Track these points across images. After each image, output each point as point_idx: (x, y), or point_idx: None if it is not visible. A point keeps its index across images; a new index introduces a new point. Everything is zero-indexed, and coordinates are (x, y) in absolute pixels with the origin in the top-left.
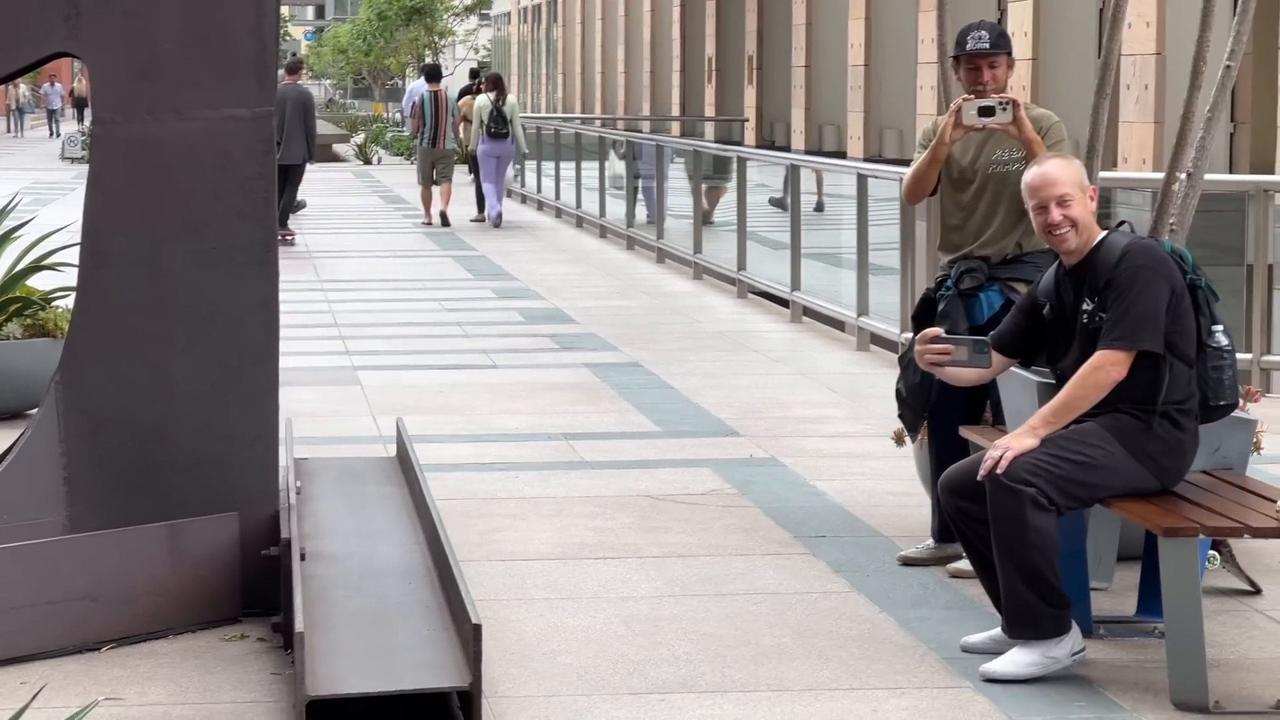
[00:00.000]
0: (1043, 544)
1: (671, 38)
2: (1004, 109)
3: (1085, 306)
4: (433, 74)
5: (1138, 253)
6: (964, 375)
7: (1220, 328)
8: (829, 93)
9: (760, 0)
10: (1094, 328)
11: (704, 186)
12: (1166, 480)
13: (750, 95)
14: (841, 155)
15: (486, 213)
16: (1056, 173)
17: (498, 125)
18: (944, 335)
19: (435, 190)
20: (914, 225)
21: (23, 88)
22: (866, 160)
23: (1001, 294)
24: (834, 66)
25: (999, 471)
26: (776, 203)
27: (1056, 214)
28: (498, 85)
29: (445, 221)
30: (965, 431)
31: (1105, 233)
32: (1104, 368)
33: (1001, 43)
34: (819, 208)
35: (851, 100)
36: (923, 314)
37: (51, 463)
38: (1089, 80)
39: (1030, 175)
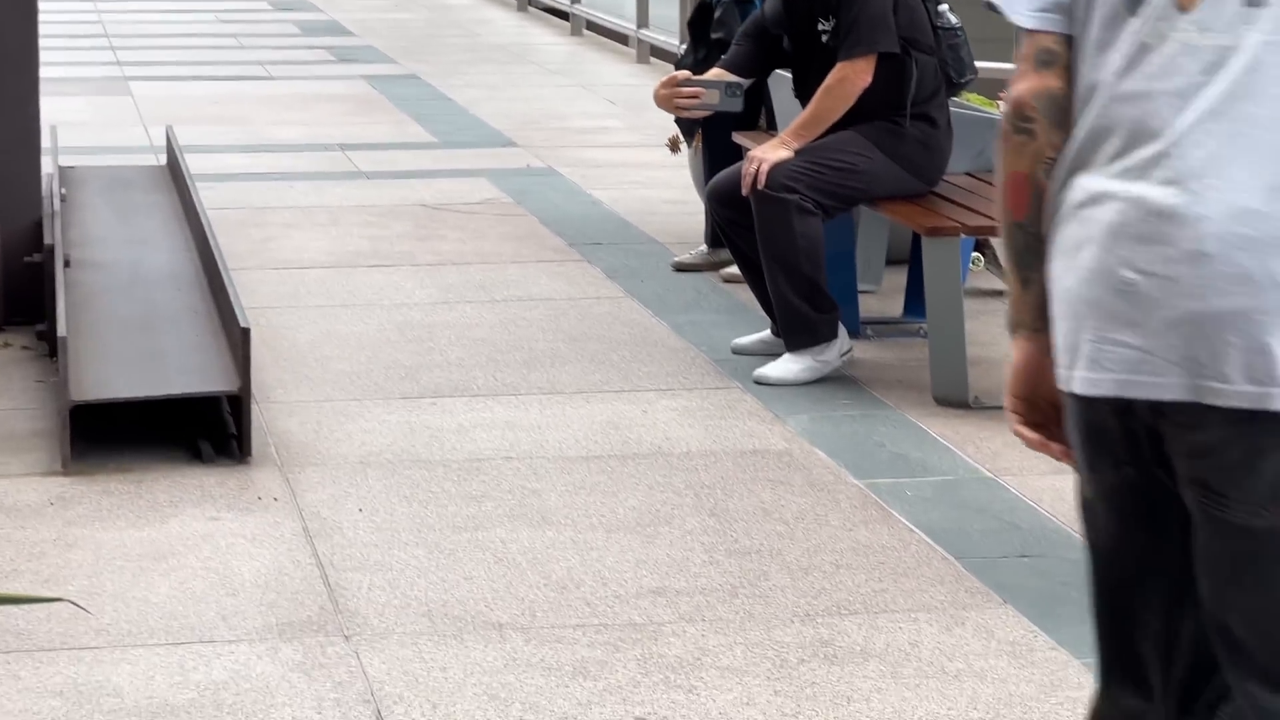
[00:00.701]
0: (810, 249)
1: None
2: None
3: (822, 27)
4: None
5: None
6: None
7: (945, 7)
8: None
9: None
10: (834, 46)
11: None
12: (926, 178)
13: None
14: None
15: None
16: None
17: None
18: (693, 79)
19: None
20: None
21: None
22: None
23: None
24: None
25: (760, 184)
26: None
27: None
28: None
29: None
30: (738, 137)
31: None
32: (848, 78)
33: None
34: None
35: None
36: (699, 20)
37: None
38: None
39: None
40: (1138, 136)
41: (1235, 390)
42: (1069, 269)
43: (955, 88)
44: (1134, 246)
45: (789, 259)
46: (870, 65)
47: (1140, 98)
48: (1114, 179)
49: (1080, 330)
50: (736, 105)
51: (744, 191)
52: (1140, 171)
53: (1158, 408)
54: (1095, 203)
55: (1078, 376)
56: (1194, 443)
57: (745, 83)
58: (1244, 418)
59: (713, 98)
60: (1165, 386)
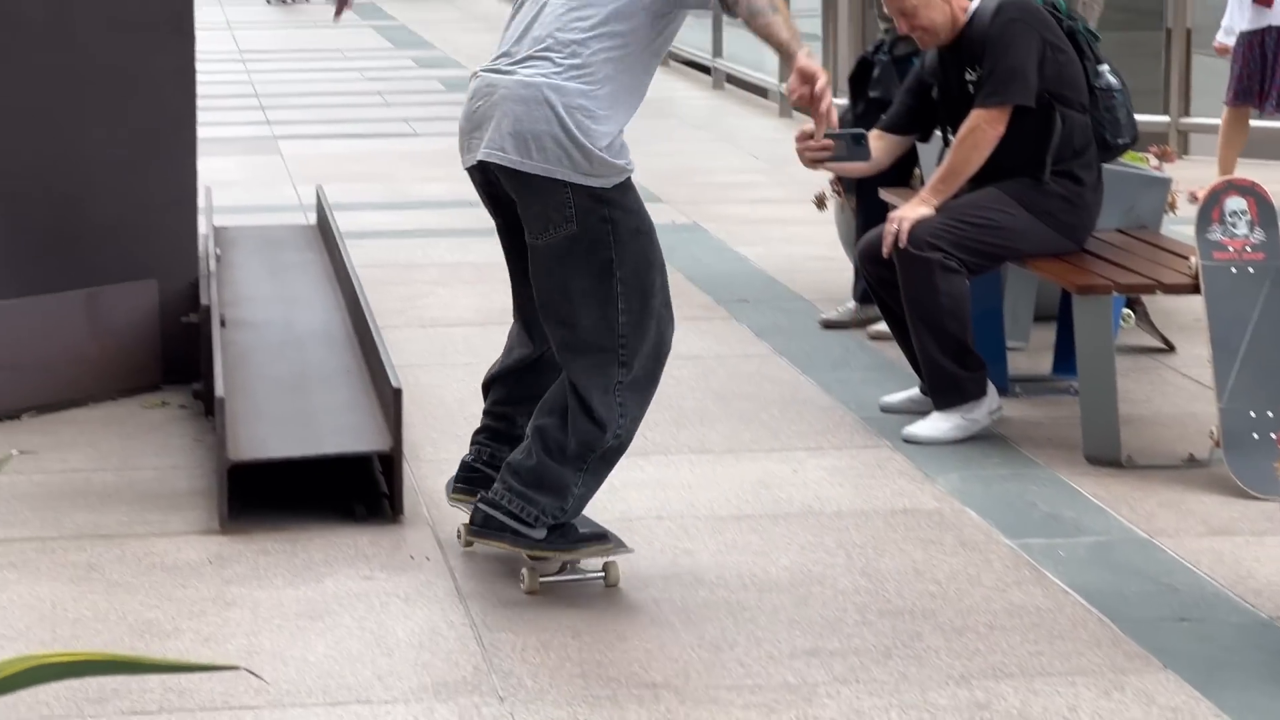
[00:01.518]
0: (955, 308)
1: None
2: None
3: (969, 77)
4: None
5: (1008, 8)
6: (850, 170)
7: (1106, 68)
8: None
9: None
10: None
11: None
12: (1075, 237)
13: None
14: None
15: None
16: None
17: None
18: (826, 131)
19: None
20: None
21: None
22: None
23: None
24: None
25: (901, 243)
26: None
27: (903, 26)
28: None
29: None
30: (885, 194)
31: (974, 1)
32: (979, 127)
33: None
34: None
35: None
36: (858, 76)
37: None
38: None
39: None
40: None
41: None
42: None
43: (1110, 149)
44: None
45: (934, 318)
46: (1002, 116)
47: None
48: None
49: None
50: (864, 156)
51: (884, 251)
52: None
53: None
54: None
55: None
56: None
57: (867, 133)
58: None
59: (841, 149)
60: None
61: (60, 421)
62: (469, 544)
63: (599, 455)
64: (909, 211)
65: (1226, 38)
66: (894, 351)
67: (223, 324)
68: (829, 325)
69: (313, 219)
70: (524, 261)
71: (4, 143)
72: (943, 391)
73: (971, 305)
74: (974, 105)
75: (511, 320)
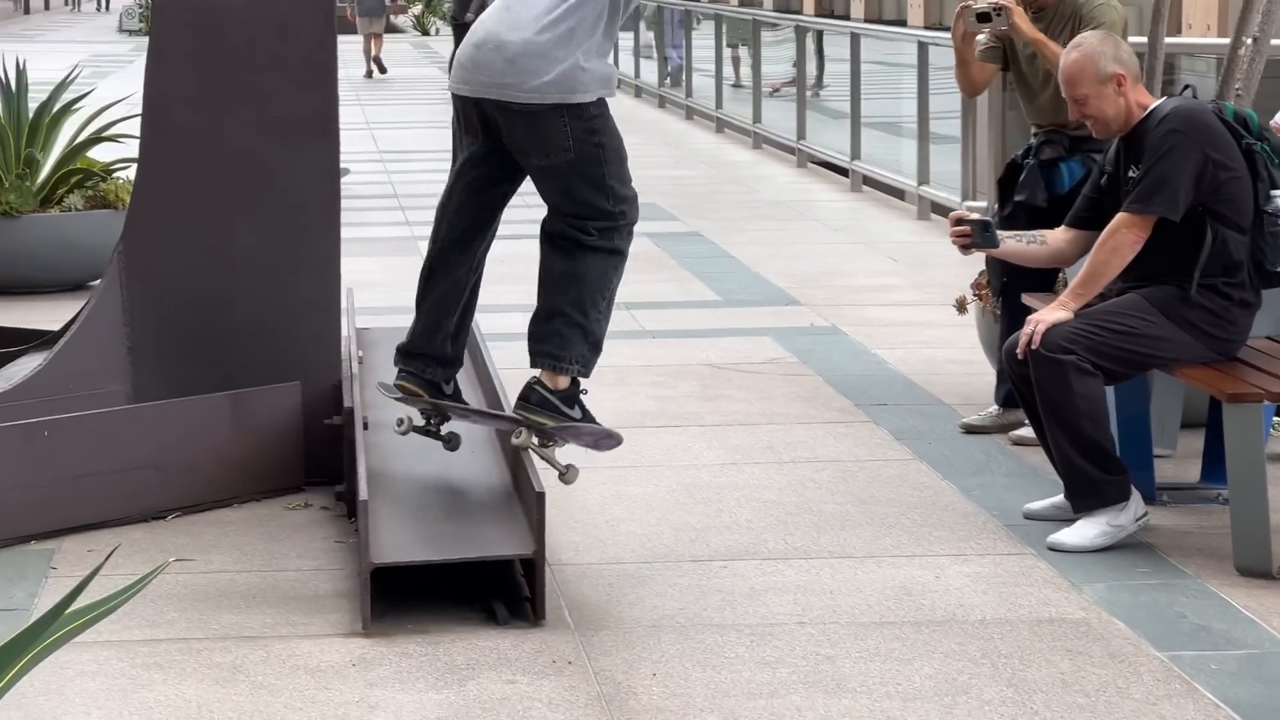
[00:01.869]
0: (1091, 410)
1: None
2: (998, 15)
3: (1131, 174)
4: None
5: (1172, 117)
6: (1021, 254)
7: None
8: None
9: None
10: None
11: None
12: (1221, 349)
13: None
14: (902, 24)
15: None
16: (1070, 71)
17: None
18: (964, 217)
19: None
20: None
21: None
22: (927, 28)
23: (1083, 164)
24: None
25: (1034, 344)
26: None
27: (1075, 113)
28: None
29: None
30: (1028, 298)
31: (1160, 100)
32: (1120, 231)
33: None
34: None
35: None
36: (1007, 180)
37: (115, 333)
38: None
39: (1059, 71)
40: None
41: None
42: None
43: (1268, 276)
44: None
45: (1070, 420)
46: (1144, 223)
47: None
48: None
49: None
50: (992, 243)
51: (1018, 353)
52: None
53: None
54: None
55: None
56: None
57: (994, 221)
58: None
59: (975, 235)
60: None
61: (205, 522)
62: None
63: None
64: (1046, 314)
65: None
66: (1037, 457)
67: (365, 426)
68: (970, 430)
69: None
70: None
71: (153, 246)
72: (1080, 494)
73: (1117, 410)
74: (1121, 208)
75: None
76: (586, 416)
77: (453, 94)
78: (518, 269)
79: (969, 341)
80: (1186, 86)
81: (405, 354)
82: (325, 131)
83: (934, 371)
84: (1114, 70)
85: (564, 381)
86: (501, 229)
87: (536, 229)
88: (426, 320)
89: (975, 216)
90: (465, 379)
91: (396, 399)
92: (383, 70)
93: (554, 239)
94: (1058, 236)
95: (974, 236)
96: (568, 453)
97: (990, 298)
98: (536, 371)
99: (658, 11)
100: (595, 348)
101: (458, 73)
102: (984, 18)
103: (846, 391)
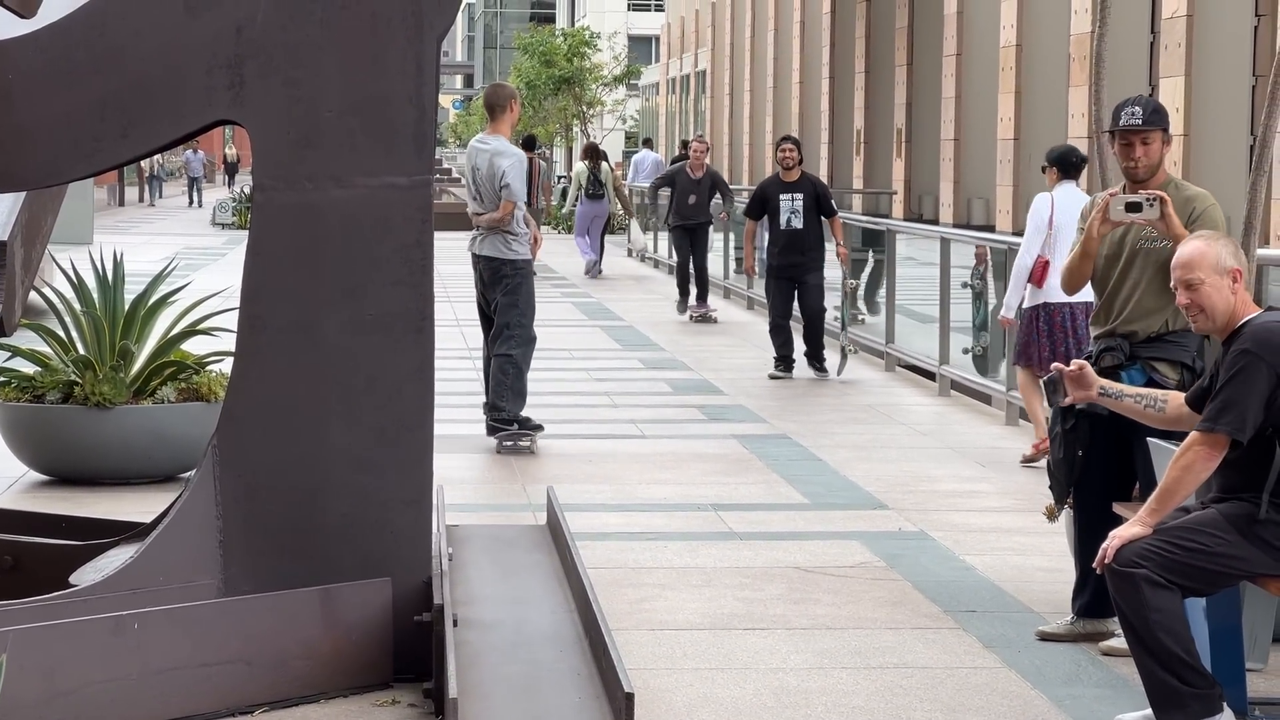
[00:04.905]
0: (1168, 623)
1: (820, 109)
2: (1151, 205)
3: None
4: (529, 143)
5: (1249, 336)
6: (1140, 415)
7: None
8: (978, 166)
9: (910, 73)
10: None
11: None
12: None
13: (899, 168)
14: (990, 229)
15: (586, 265)
16: (1191, 255)
17: (594, 188)
18: (1044, 379)
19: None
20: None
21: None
22: (1015, 234)
23: (1144, 373)
24: (983, 140)
25: (1108, 560)
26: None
27: (1183, 298)
28: (594, 154)
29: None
30: (1119, 508)
31: (1258, 313)
32: (1192, 449)
33: (1155, 119)
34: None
35: (1001, 174)
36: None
37: (208, 526)
38: (1241, 156)
39: (1176, 254)
40: None
41: None
42: None
43: None
44: None
45: (1146, 633)
46: (1216, 442)
47: None
48: None
49: None
50: (1056, 401)
51: (1095, 568)
52: None
53: None
54: None
55: None
56: None
57: (1059, 377)
58: None
59: (1048, 397)
60: None
61: (292, 717)
62: None
63: None
64: (1123, 530)
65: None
66: (1127, 667)
67: (455, 623)
68: (1046, 638)
69: (542, 519)
70: None
71: (247, 439)
72: (1164, 706)
73: (1208, 622)
74: (1197, 425)
75: None
76: None
77: None
78: (604, 469)
79: (1058, 549)
80: (1271, 308)
81: None
82: (420, 329)
83: (1023, 579)
84: (1233, 265)
85: None
86: (591, 428)
87: (623, 429)
88: None
89: (1048, 377)
90: (553, 576)
91: None
92: None
93: None
94: (1176, 406)
95: (1048, 395)
96: None
97: (1054, 509)
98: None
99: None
100: None
101: None
102: (1134, 207)
103: (935, 597)
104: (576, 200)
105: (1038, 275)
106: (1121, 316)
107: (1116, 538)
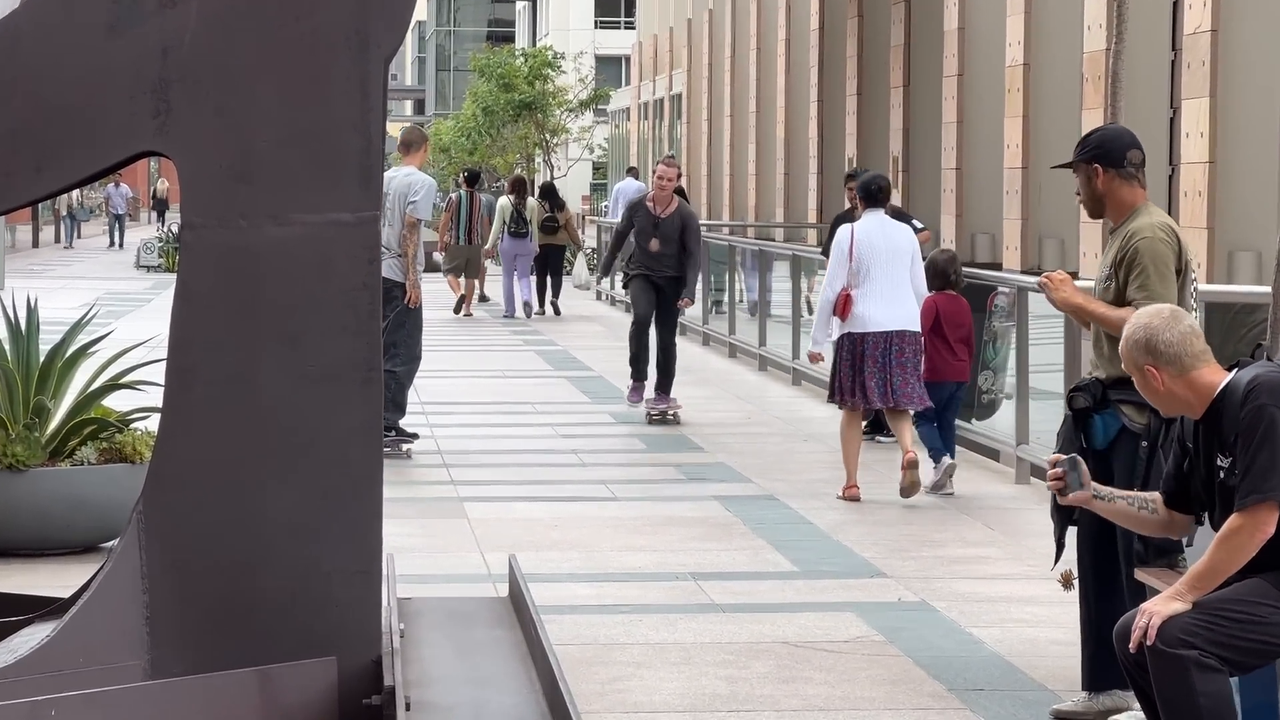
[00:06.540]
0: (1216, 709)
1: (808, 136)
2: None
3: (1220, 463)
4: (472, 178)
5: (1259, 390)
6: (1132, 519)
7: None
8: (982, 198)
9: (906, 96)
10: (1234, 485)
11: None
12: None
13: (895, 200)
14: (996, 267)
15: (517, 306)
16: (1122, 351)
17: (517, 225)
18: (1058, 459)
19: (463, 281)
20: (1079, 345)
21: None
22: (1025, 273)
23: (1116, 418)
24: (988, 169)
25: (1149, 640)
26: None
27: (1140, 385)
28: (519, 188)
29: (484, 298)
30: (1141, 575)
31: (1230, 374)
32: (1244, 528)
33: (1079, 152)
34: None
35: (1008, 206)
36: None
37: (132, 601)
38: (1272, 184)
39: None
40: None
41: None
42: None
43: None
44: None
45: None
46: (1271, 513)
47: None
48: None
49: None
50: (1076, 482)
51: (1131, 647)
52: None
53: None
54: None
55: None
56: None
57: (1079, 458)
58: None
59: (1070, 478)
60: None
61: None
62: None
63: None
64: (1162, 606)
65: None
66: None
67: (408, 707)
68: (1061, 717)
69: (504, 590)
70: None
71: (176, 505)
72: None
73: (1241, 699)
74: (1235, 506)
75: None
76: None
77: None
78: (572, 535)
79: (1074, 620)
80: (1258, 346)
81: None
82: (367, 381)
83: (1036, 653)
84: (1144, 363)
85: None
86: (557, 490)
87: (592, 491)
88: None
89: (1066, 456)
90: (516, 654)
91: None
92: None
93: None
94: (1166, 509)
95: (1066, 478)
96: None
97: (1071, 576)
98: None
99: (729, 251)
100: None
101: None
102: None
103: (939, 675)
104: (499, 237)
105: (840, 308)
106: (1092, 360)
107: (1157, 614)
